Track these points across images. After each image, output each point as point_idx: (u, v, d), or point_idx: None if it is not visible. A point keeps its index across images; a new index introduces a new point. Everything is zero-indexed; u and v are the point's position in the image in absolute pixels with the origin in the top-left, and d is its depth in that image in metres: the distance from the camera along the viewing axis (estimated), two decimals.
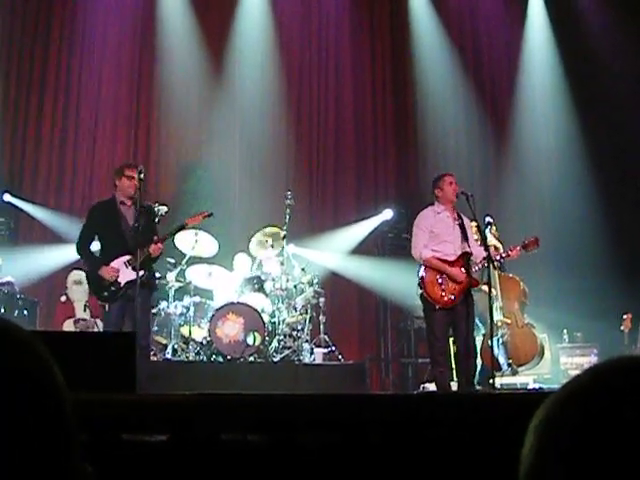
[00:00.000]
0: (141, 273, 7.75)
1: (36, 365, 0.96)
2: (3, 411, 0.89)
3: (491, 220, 9.35)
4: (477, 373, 8.21)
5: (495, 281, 9.58)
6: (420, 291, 8.07)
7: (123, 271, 7.81)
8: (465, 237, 8.05)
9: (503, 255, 8.42)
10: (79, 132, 12.64)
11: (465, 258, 8.01)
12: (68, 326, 10.26)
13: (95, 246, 8.33)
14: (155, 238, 7.91)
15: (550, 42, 14.09)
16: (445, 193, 8.19)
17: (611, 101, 13.09)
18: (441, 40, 13.96)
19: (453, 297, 7.91)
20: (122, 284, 7.78)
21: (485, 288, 8.13)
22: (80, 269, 10.30)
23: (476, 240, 8.43)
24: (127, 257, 7.81)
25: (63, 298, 10.57)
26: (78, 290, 10.41)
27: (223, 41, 13.30)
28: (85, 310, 10.37)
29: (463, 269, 7.98)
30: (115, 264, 7.83)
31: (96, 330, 10.21)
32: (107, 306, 7.89)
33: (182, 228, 8.44)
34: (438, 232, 8.11)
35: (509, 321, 9.87)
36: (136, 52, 13.15)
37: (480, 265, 8.03)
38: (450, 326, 8.00)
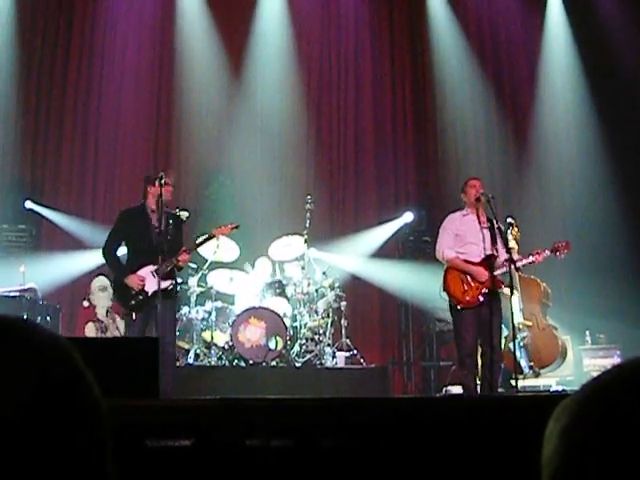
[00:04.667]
0: (168, 283, 7.78)
1: (73, 374, 0.96)
2: (38, 421, 0.89)
3: (512, 221, 9.30)
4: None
5: (516, 283, 9.53)
6: (443, 291, 8.11)
7: (150, 280, 7.76)
8: (494, 241, 8.03)
9: (529, 260, 8.31)
10: (100, 138, 12.69)
11: (490, 260, 7.98)
12: (89, 328, 10.28)
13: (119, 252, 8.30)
14: (184, 248, 7.95)
15: (570, 41, 13.98)
16: (468, 197, 8.30)
17: (634, 100, 12.99)
18: (460, 43, 13.91)
19: (476, 297, 7.90)
20: (149, 293, 7.74)
21: (506, 291, 8.10)
22: (105, 275, 10.33)
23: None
24: (154, 266, 7.76)
25: (86, 303, 10.56)
26: (102, 296, 10.42)
27: (243, 46, 13.32)
28: (107, 315, 10.39)
29: (486, 269, 7.96)
30: (142, 273, 7.81)
31: (116, 331, 10.23)
32: (134, 315, 7.85)
33: (210, 238, 8.44)
34: (463, 234, 8.18)
35: (530, 323, 9.81)
36: (156, 59, 13.20)
37: (504, 268, 7.96)
38: (477, 327, 7.96)
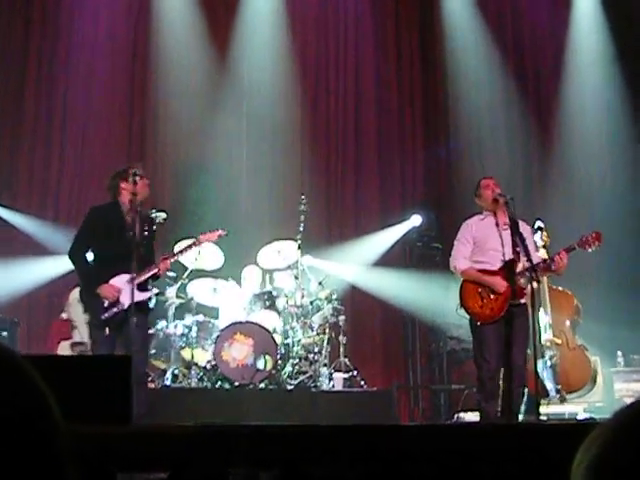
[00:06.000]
0: (149, 294, 7.72)
1: (27, 394, 0.95)
2: None
3: (542, 225, 9.28)
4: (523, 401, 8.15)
5: (544, 295, 9.52)
6: (461, 308, 8.04)
7: (127, 291, 7.55)
8: (517, 244, 7.90)
9: (549, 266, 8.17)
10: (66, 129, 12.57)
11: (510, 267, 7.89)
12: (64, 349, 10.16)
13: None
14: (164, 255, 7.88)
15: (601, 23, 13.97)
16: (485, 200, 8.19)
17: None
18: (477, 25, 13.90)
19: (497, 309, 7.83)
20: (126, 306, 7.55)
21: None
22: None
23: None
24: (130, 275, 7.52)
25: (64, 315, 10.44)
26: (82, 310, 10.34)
27: (229, 29, 13.25)
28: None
29: (504, 278, 7.89)
30: (117, 283, 7.64)
31: None
32: (107, 330, 7.64)
33: (193, 246, 8.40)
34: (481, 240, 8.11)
35: (559, 341, 9.80)
36: (130, 41, 13.08)
37: (527, 274, 7.83)
38: (501, 345, 7.87)
